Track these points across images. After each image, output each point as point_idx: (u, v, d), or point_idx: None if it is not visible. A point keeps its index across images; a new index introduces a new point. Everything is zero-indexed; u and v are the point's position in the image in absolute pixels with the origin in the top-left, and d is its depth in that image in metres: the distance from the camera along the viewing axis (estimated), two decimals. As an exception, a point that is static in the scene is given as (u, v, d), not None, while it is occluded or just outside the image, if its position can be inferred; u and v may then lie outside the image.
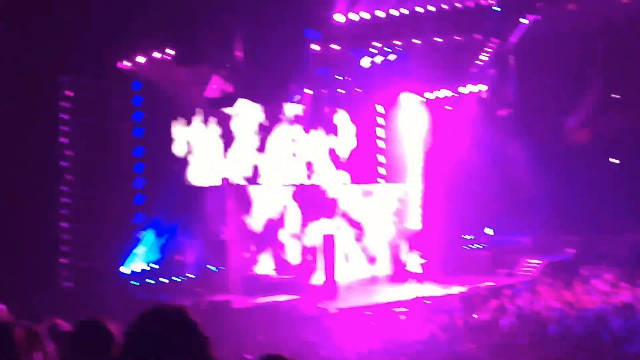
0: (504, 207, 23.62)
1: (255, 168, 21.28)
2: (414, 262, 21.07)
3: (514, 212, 23.63)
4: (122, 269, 18.26)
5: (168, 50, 17.69)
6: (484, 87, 23.25)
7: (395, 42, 20.22)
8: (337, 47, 19.03)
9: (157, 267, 18.67)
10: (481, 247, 24.61)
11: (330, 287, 19.08)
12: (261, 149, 21.70)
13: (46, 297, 16.54)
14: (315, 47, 18.64)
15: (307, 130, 22.04)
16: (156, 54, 17.78)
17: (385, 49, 20.43)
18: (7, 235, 16.23)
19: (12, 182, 16.31)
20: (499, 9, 22.12)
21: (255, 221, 20.03)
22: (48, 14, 16.03)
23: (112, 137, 18.26)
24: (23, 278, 16.48)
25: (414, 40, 20.55)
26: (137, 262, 18.54)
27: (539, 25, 23.07)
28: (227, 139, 20.35)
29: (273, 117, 21.27)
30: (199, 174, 19.95)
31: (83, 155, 17.99)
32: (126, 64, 17.96)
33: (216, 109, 19.37)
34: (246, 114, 20.61)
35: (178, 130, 19.31)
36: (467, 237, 24.54)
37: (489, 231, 25.12)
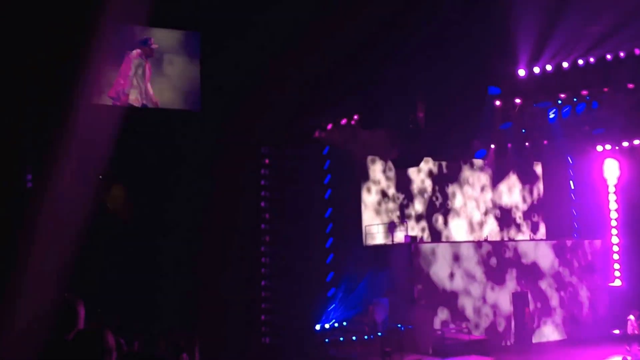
0: None
1: (443, 225, 21.38)
2: (630, 324, 19.13)
3: None
4: (316, 326, 19.01)
5: (354, 117, 18.65)
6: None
7: (583, 92, 19.39)
8: (519, 101, 18.70)
9: (347, 324, 19.16)
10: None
11: (524, 347, 18.23)
12: (449, 205, 21.81)
13: (250, 350, 17.77)
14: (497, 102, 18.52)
15: (495, 186, 21.75)
16: (344, 121, 18.81)
17: (573, 99, 19.69)
18: (217, 294, 17.75)
19: (221, 243, 17.92)
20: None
21: (444, 279, 19.88)
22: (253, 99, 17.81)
23: (306, 199, 19.45)
24: (230, 333, 17.86)
25: (604, 89, 19.54)
26: (329, 319, 19.21)
27: None
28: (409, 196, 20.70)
29: (458, 174, 21.33)
30: (386, 233, 20.50)
31: (280, 218, 19.34)
32: (319, 132, 19.26)
33: (402, 168, 19.86)
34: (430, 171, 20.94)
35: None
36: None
37: None
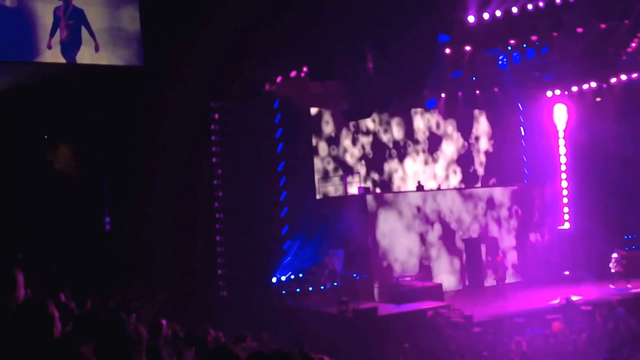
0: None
1: (393, 175, 21.49)
2: (614, 262, 19.59)
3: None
4: (272, 279, 19.17)
5: (303, 69, 18.38)
6: (635, 75, 21.57)
7: (532, 37, 19.34)
8: (469, 48, 18.59)
9: (303, 276, 19.35)
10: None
11: (477, 291, 18.67)
12: (400, 156, 21.90)
13: (206, 305, 17.88)
14: (447, 50, 18.39)
15: (444, 135, 21.82)
16: (292, 73, 18.52)
17: (523, 45, 19.65)
18: (170, 249, 17.72)
19: (173, 200, 17.77)
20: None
21: (397, 229, 20.09)
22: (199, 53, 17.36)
23: (258, 154, 19.30)
24: (186, 288, 17.94)
25: (553, 33, 19.51)
26: (285, 271, 19.37)
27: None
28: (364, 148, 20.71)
29: (408, 125, 21.32)
30: (340, 184, 20.57)
31: (232, 173, 19.19)
32: (268, 85, 18.96)
33: (352, 121, 19.77)
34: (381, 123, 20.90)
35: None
36: (629, 237, 22.88)
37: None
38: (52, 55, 16.00)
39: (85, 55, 16.46)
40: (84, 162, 18.03)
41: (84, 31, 16.54)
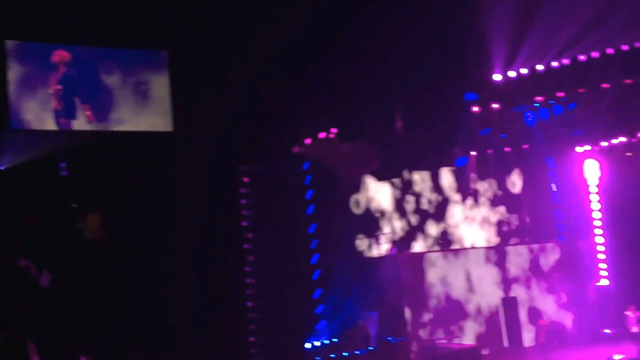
0: None
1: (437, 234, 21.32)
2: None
3: None
4: (305, 344, 18.76)
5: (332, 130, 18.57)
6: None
7: (558, 94, 19.45)
8: (497, 106, 18.71)
9: (337, 340, 18.95)
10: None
11: (518, 352, 18.10)
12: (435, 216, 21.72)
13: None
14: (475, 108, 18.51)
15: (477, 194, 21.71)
16: (321, 135, 18.70)
17: (550, 102, 19.74)
18: (202, 316, 17.49)
19: (204, 266, 17.64)
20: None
21: (433, 289, 19.70)
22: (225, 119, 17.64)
23: (288, 217, 19.24)
24: (220, 357, 17.58)
25: (579, 90, 19.60)
26: (319, 336, 18.98)
27: None
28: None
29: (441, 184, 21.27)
30: (372, 245, 20.35)
31: (263, 236, 19.10)
32: (296, 148, 19.12)
33: (382, 181, 19.77)
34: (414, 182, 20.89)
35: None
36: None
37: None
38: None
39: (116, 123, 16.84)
40: (113, 230, 18.06)
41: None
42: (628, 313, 18.63)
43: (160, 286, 17.37)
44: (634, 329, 18.51)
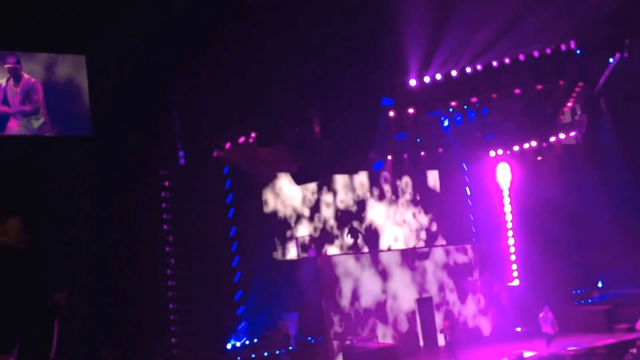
0: (612, 256, 22.33)
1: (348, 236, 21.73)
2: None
3: (624, 261, 22.24)
4: (227, 345, 18.92)
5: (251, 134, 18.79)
6: (574, 133, 22.51)
7: (472, 99, 20.14)
8: (412, 111, 19.25)
9: (257, 341, 19.16)
10: (595, 301, 23.24)
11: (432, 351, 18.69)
12: (352, 218, 22.20)
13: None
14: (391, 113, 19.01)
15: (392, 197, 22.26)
16: (240, 139, 18.89)
17: (464, 107, 20.41)
18: (124, 318, 17.44)
19: (125, 268, 17.61)
20: (579, 52, 21.27)
21: (350, 290, 20.15)
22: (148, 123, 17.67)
23: (209, 220, 19.32)
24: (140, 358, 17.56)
25: (492, 95, 20.34)
26: (240, 337, 19.16)
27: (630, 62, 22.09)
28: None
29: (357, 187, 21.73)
30: (291, 247, 20.69)
31: (184, 239, 19.12)
32: (216, 152, 19.25)
33: (301, 184, 20.09)
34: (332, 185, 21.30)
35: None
36: (578, 292, 23.34)
37: (600, 284, 23.71)
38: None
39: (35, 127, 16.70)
40: (35, 235, 17.80)
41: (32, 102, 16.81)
42: (541, 315, 19.15)
43: (81, 287, 17.25)
44: (546, 329, 19.07)
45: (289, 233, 21.05)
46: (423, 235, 23.77)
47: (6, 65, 16.40)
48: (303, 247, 20.61)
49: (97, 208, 17.42)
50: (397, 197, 23.30)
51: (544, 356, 18.10)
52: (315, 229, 21.56)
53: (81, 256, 17.27)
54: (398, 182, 23.25)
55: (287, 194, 21.11)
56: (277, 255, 20.68)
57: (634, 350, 17.11)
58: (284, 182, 20.97)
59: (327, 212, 21.91)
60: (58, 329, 11.87)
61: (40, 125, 16.91)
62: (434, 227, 23.79)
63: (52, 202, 17.19)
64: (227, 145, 19.08)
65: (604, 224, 21.93)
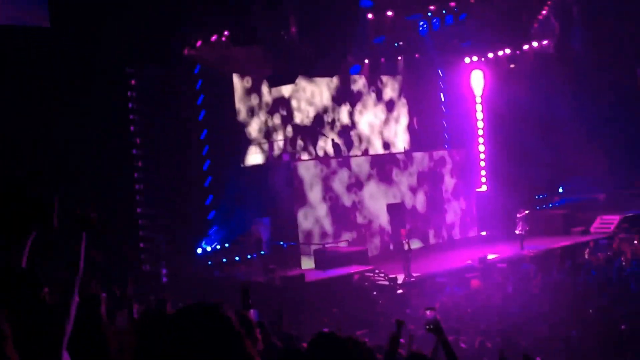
0: (575, 163, 22.90)
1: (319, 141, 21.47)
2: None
3: (586, 168, 22.83)
4: (197, 250, 18.83)
5: (225, 33, 17.87)
6: (546, 42, 22.37)
7: (451, 3, 19.65)
8: (391, 14, 18.67)
9: (229, 245, 19.12)
10: (554, 206, 24.06)
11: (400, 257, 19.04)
12: (325, 123, 21.86)
13: (130, 279, 17.31)
14: (369, 15, 18.39)
15: (368, 101, 21.93)
16: (213, 37, 17.97)
17: (442, 11, 19.94)
18: (90, 225, 16.91)
19: (90, 173, 16.94)
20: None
21: (322, 195, 20.12)
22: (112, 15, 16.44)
23: (178, 122, 18.68)
24: (109, 264, 17.23)
25: (470, 0, 19.89)
26: (211, 242, 19.07)
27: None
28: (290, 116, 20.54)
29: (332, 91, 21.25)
30: (265, 151, 20.35)
31: (152, 142, 18.50)
32: (187, 50, 18.31)
33: (275, 86, 19.50)
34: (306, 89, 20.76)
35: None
36: (540, 197, 24.04)
37: (560, 190, 24.48)
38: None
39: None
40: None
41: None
42: (518, 215, 19.58)
43: (49, 193, 16.56)
44: (518, 231, 19.58)
45: (264, 137, 20.62)
46: (397, 140, 23.71)
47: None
48: (276, 151, 20.29)
49: (55, 107, 16.43)
50: (371, 103, 23.01)
51: (505, 258, 18.77)
52: (289, 133, 21.19)
53: (38, 157, 16.47)
54: (372, 87, 22.88)
55: (264, 98, 20.49)
56: (249, 159, 20.33)
57: (587, 251, 18.02)
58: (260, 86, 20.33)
59: (300, 117, 21.47)
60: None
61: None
62: (409, 134, 23.73)
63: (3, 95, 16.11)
64: (199, 43, 18.16)
65: (572, 132, 22.29)
